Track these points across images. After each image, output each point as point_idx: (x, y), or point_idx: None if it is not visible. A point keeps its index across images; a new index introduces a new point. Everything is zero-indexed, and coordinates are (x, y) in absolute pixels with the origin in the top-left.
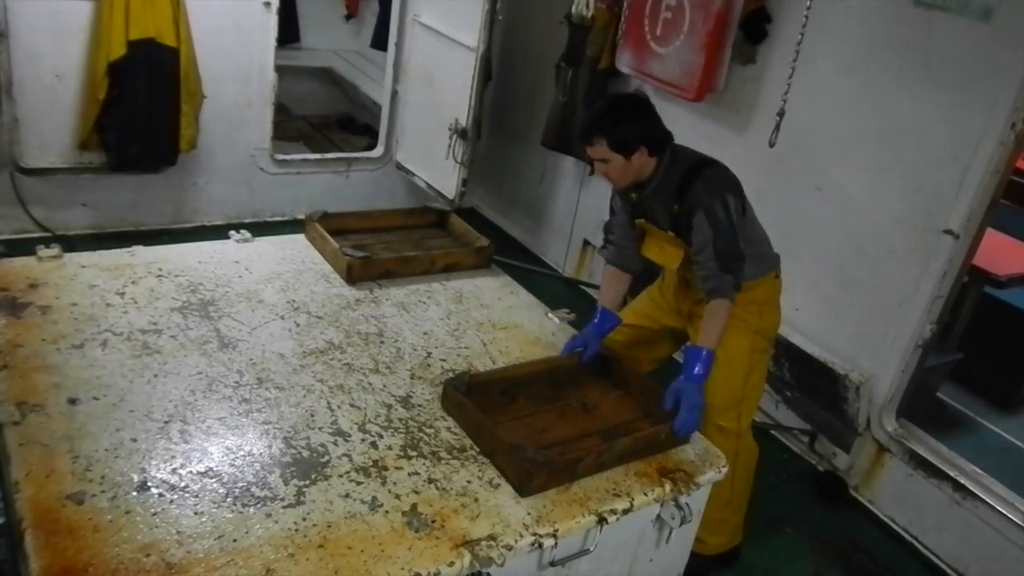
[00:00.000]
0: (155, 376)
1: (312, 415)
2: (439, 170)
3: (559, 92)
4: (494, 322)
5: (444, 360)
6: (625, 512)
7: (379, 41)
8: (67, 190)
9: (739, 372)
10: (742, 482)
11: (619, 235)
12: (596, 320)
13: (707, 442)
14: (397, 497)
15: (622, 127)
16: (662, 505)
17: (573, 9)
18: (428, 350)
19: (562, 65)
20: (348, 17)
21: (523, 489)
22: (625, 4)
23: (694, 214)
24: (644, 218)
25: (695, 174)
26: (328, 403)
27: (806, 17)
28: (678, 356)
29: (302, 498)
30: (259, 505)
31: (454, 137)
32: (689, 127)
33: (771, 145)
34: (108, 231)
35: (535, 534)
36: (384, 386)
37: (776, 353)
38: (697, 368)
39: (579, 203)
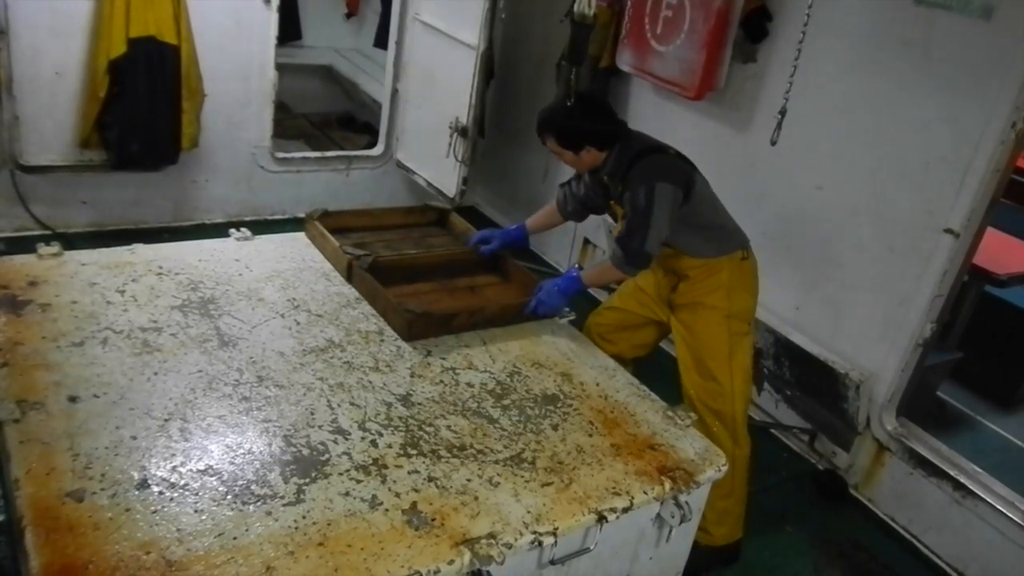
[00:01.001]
0: (155, 374)
1: (312, 413)
2: (439, 168)
3: (561, 92)
4: None
5: (444, 359)
6: (625, 511)
7: (382, 40)
8: (67, 188)
9: (721, 357)
10: (741, 470)
11: (571, 192)
12: (512, 228)
13: (707, 440)
14: (397, 495)
15: (569, 127)
16: (662, 504)
17: (575, 8)
18: (428, 348)
19: (563, 64)
20: (349, 15)
21: (407, 335)
22: (628, 2)
23: (625, 194)
24: (614, 200)
25: (637, 160)
26: (328, 401)
27: (807, 16)
28: (665, 346)
29: (302, 496)
30: (259, 503)
31: (454, 135)
32: (689, 126)
33: (773, 143)
34: (108, 229)
35: (535, 532)
36: (384, 384)
37: (776, 352)
38: (563, 279)
39: None
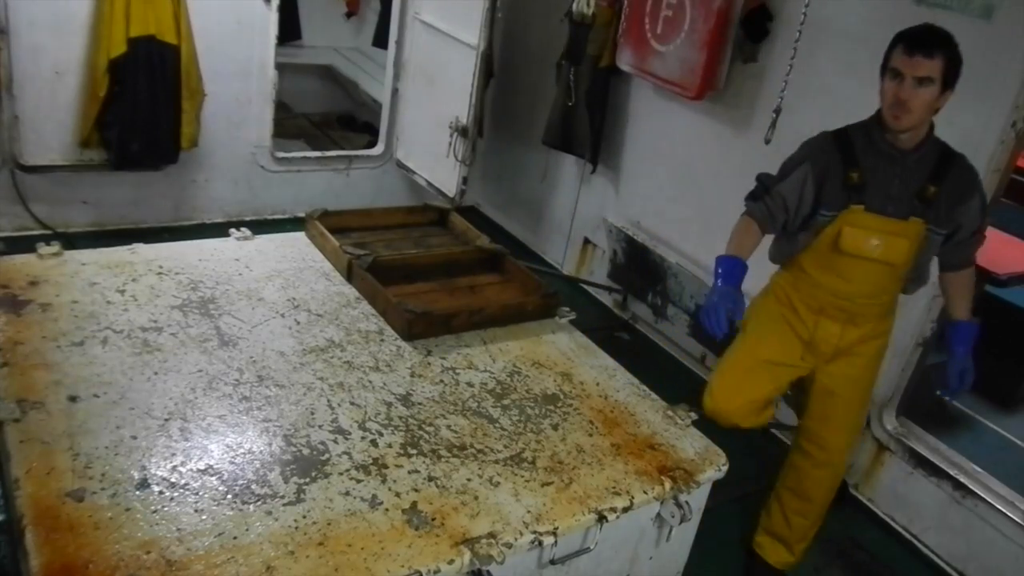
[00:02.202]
0: (155, 374)
1: (312, 413)
2: (439, 168)
3: (561, 91)
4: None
5: (444, 358)
6: (625, 510)
7: (381, 39)
8: (68, 187)
9: (870, 394)
10: None
11: (777, 204)
12: (736, 267)
13: (707, 440)
14: (397, 495)
15: (960, 57)
16: (662, 503)
17: (574, 7)
18: (428, 348)
19: (563, 64)
20: (349, 15)
21: (407, 335)
22: (625, 1)
23: (968, 198)
24: (862, 204)
25: (954, 155)
26: (328, 401)
27: (804, 15)
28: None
29: (302, 496)
30: (259, 503)
31: (454, 135)
32: (690, 126)
33: (767, 142)
34: (109, 228)
35: (535, 532)
36: (384, 384)
37: None
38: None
39: (579, 202)
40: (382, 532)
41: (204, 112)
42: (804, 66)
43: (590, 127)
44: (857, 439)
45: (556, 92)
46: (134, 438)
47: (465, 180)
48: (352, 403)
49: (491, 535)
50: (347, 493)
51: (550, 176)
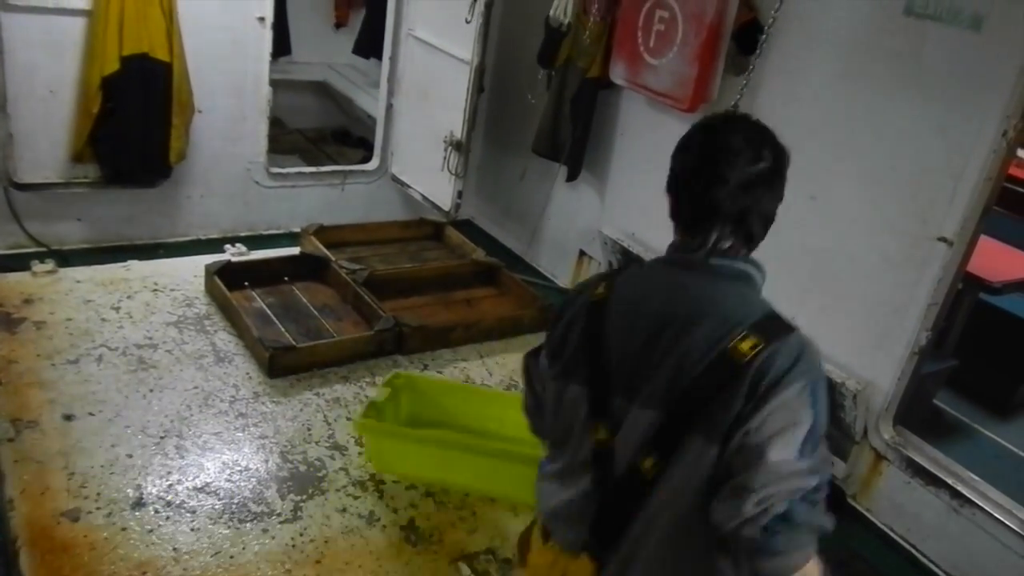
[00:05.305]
0: (151, 391)
1: (309, 429)
2: (434, 182)
3: (550, 99)
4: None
5: (441, 372)
6: None
7: (362, 48)
8: (62, 205)
9: None
10: None
11: None
12: None
13: None
14: (395, 511)
15: None
16: None
17: (551, 12)
18: (424, 362)
19: (552, 74)
20: (338, 26)
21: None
22: (598, 11)
23: None
24: None
25: None
26: (325, 416)
27: (773, 18)
28: None
29: (299, 513)
30: (256, 521)
31: (449, 149)
32: None
33: None
34: (103, 245)
35: None
36: None
37: None
38: None
39: (574, 214)
40: (380, 549)
41: (199, 128)
42: (797, 76)
43: (572, 136)
44: None
45: (546, 101)
46: (130, 456)
47: (460, 194)
48: (349, 418)
49: (489, 551)
50: (344, 510)
51: (545, 187)
